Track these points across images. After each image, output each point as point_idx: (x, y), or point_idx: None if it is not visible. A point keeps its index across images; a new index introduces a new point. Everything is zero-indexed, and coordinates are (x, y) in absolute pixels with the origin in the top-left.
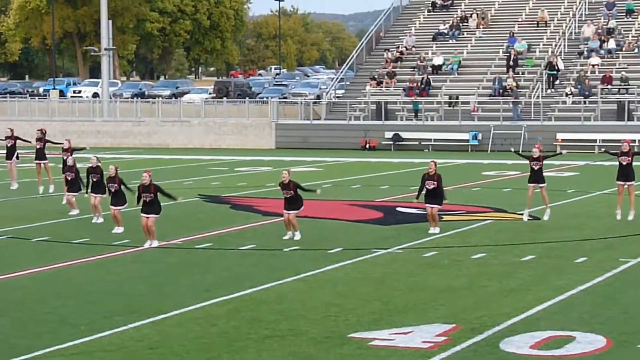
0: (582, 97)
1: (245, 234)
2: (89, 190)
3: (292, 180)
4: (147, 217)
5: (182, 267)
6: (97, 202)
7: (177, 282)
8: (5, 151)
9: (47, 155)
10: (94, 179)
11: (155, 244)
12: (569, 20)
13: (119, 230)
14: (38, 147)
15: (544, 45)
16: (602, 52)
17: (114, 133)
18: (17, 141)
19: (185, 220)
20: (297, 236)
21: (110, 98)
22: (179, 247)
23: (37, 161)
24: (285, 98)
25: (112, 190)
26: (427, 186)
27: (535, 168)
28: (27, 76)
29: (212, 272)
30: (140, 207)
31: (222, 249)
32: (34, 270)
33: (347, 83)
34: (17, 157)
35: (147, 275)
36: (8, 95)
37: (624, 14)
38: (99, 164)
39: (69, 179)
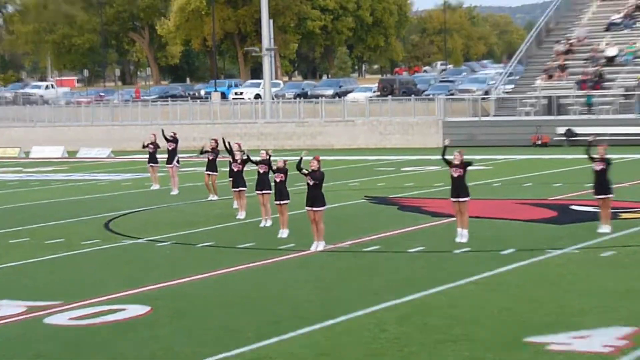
0: None
1: (414, 236)
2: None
3: (465, 161)
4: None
5: (349, 271)
6: (267, 201)
7: (345, 287)
8: (166, 155)
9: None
10: (261, 171)
11: (321, 246)
12: None
13: (284, 234)
14: (210, 158)
15: None
16: None
17: (276, 135)
18: (177, 145)
19: (352, 223)
20: (465, 239)
21: (273, 99)
22: (346, 251)
23: (208, 172)
24: (452, 95)
25: (278, 180)
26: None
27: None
28: (188, 79)
29: (381, 276)
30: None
31: (391, 251)
32: (198, 276)
33: (517, 77)
34: (178, 162)
35: (314, 279)
36: (169, 98)
37: None
38: (268, 156)
39: (235, 170)
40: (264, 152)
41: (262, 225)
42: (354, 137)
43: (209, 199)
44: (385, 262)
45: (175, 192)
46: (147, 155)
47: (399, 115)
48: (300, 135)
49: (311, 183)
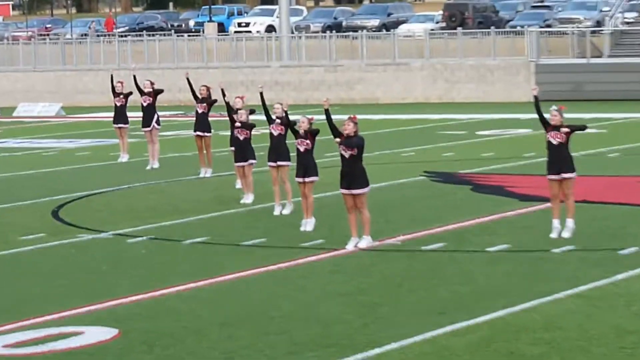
0: None
1: (495, 229)
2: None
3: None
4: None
5: (402, 279)
6: (284, 177)
7: (395, 301)
8: (141, 114)
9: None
10: (275, 134)
11: (365, 242)
12: None
13: (308, 225)
14: (201, 111)
15: None
16: None
17: (298, 84)
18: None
19: (407, 210)
20: (569, 233)
21: (293, 33)
22: (398, 250)
23: (198, 132)
24: (548, 26)
25: (302, 150)
26: None
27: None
28: (170, 4)
29: (447, 286)
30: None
31: (461, 250)
32: (188, 285)
33: None
34: (158, 123)
35: (352, 290)
36: (145, 32)
37: None
38: (284, 114)
39: (242, 138)
40: (278, 105)
41: (276, 212)
42: (408, 87)
43: (201, 175)
44: (453, 265)
45: (154, 165)
46: (113, 112)
47: (472, 55)
48: (331, 85)
49: (346, 154)
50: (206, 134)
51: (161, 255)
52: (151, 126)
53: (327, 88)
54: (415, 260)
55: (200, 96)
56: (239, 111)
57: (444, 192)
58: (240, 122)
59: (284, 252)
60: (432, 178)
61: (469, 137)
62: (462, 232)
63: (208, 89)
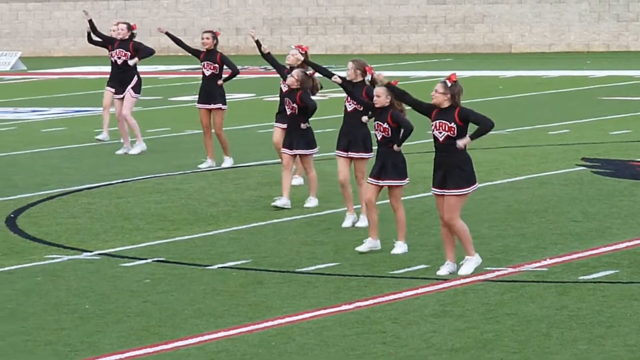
0: None
1: None
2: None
3: None
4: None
5: (549, 326)
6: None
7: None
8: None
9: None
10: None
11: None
12: None
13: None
14: (209, 72)
15: None
16: None
17: (386, 23)
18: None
19: (555, 217)
20: None
21: None
22: (542, 280)
23: (202, 104)
24: None
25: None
26: None
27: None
28: None
29: (619, 338)
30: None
31: None
32: (216, 335)
33: None
34: (137, 87)
35: (470, 344)
36: None
37: None
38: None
39: (289, 112)
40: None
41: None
42: (558, 27)
43: (204, 166)
44: (628, 305)
45: (136, 148)
46: (109, 66)
47: None
48: (438, 24)
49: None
50: (217, 105)
51: (174, 287)
52: (125, 91)
53: (432, 28)
54: (568, 297)
55: (204, 48)
56: (293, 74)
57: (613, 190)
58: (290, 88)
59: (363, 284)
60: (595, 169)
61: None
62: None
63: (214, 36)
